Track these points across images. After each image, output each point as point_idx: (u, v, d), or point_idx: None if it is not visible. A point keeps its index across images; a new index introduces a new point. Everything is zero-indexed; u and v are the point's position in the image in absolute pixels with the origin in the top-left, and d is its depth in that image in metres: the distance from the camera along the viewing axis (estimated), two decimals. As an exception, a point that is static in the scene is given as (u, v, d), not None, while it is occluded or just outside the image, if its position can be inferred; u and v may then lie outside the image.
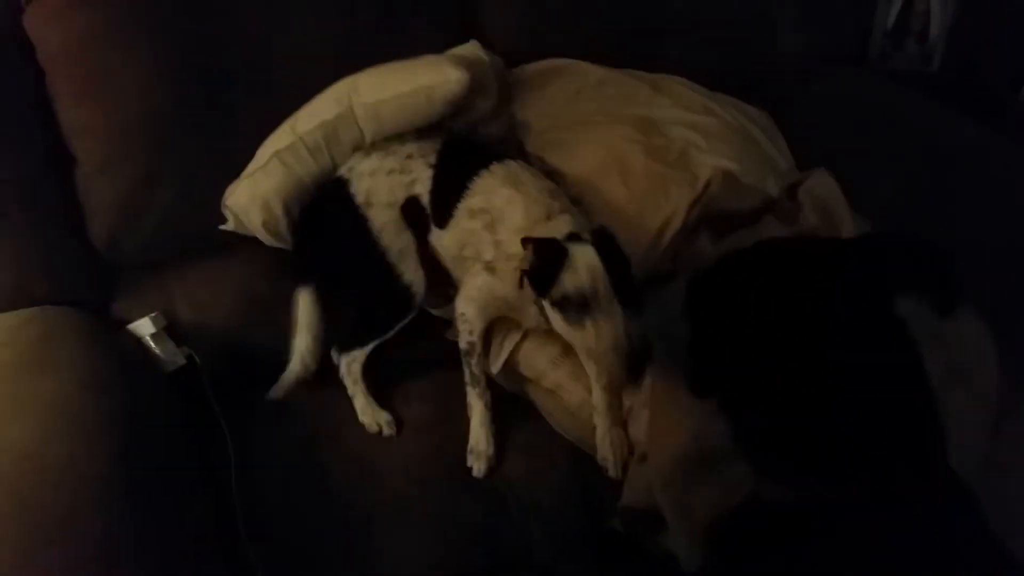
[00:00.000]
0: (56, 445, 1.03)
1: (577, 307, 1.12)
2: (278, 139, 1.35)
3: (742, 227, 1.31)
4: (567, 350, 1.27)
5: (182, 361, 1.34)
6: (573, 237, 1.16)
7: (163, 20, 1.31)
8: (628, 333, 1.09)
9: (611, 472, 1.26)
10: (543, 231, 1.19)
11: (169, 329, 1.34)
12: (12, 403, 1.08)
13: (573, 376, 1.27)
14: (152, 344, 1.31)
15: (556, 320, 1.16)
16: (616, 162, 1.35)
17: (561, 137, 1.42)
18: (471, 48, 1.46)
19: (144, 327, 1.31)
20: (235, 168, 1.37)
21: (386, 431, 1.31)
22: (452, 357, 1.32)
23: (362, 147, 1.36)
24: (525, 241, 1.15)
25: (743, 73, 1.76)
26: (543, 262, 1.13)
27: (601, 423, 1.25)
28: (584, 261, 1.11)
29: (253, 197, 1.32)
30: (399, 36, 1.45)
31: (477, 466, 1.27)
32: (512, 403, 1.37)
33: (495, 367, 1.33)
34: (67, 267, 1.32)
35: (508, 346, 1.31)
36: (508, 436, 1.33)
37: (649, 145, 1.35)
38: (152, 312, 1.33)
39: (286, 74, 1.38)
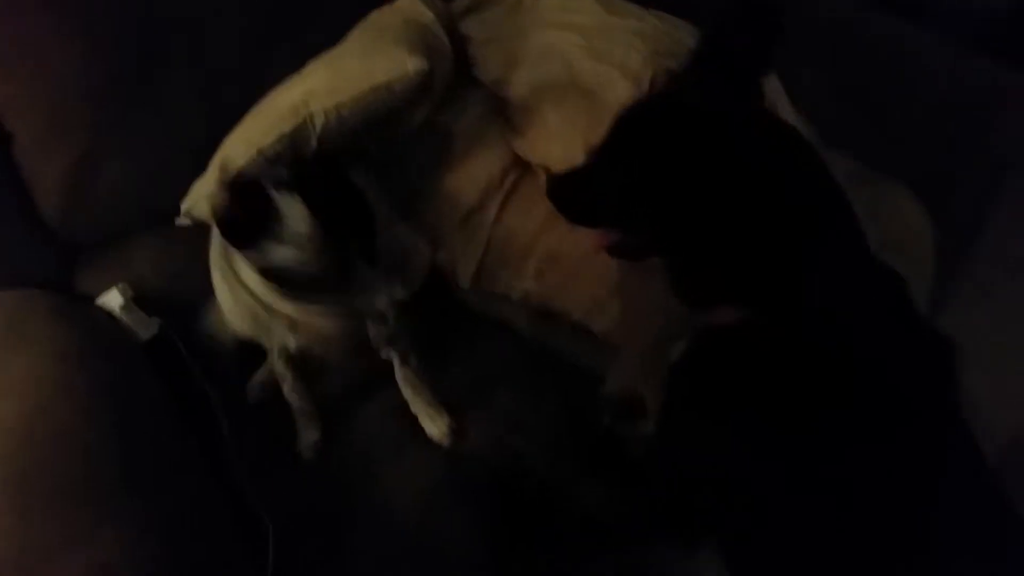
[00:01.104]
0: (45, 417, 1.02)
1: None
2: (235, 149, 1.29)
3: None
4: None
5: (155, 330, 1.32)
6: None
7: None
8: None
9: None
10: None
11: (138, 300, 1.32)
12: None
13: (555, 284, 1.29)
14: (123, 316, 1.30)
15: (294, 254, 1.01)
16: (562, 64, 1.35)
17: (505, 48, 1.42)
18: (410, 4, 1.40)
19: (113, 299, 1.29)
20: (179, 144, 1.34)
21: None
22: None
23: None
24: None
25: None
26: (243, 207, 0.99)
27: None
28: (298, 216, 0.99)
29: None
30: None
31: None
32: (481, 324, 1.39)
33: (464, 281, 1.34)
34: (25, 249, 1.30)
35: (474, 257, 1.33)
36: (485, 358, 1.35)
37: (591, 49, 1.35)
38: (116, 284, 1.31)
39: (220, 49, 1.35)
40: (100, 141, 1.29)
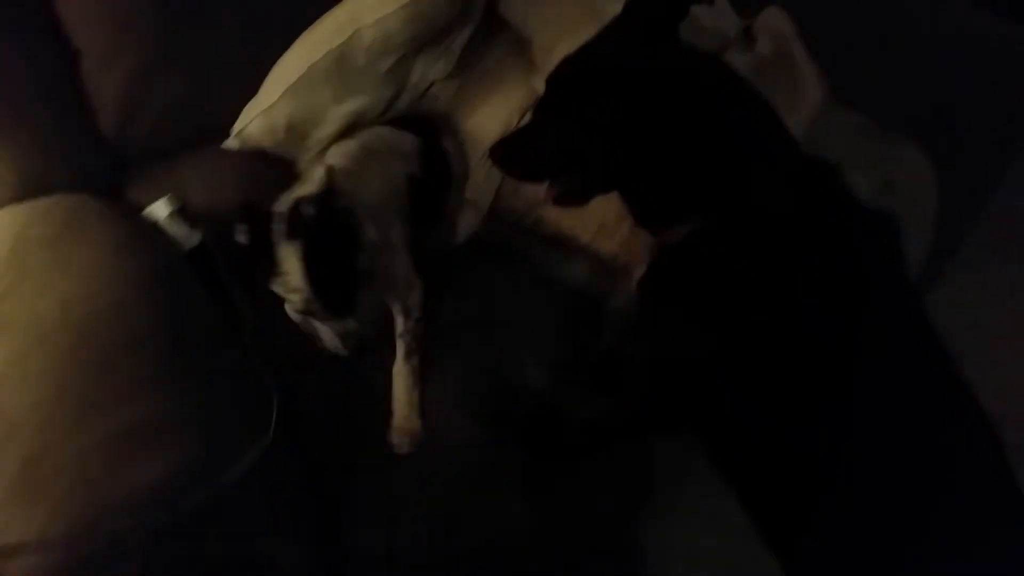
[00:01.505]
0: (102, 296, 1.14)
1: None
2: (287, 69, 1.40)
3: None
4: None
5: (196, 241, 1.43)
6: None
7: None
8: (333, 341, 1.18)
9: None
10: None
11: (181, 213, 1.43)
12: (51, 269, 1.18)
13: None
14: (168, 225, 1.41)
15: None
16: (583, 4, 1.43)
17: None
18: None
19: (159, 209, 1.40)
20: (231, 65, 1.44)
21: None
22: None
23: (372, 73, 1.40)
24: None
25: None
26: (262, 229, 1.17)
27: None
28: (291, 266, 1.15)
29: (269, 130, 1.40)
30: None
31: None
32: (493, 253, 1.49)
33: (483, 205, 1.44)
34: (83, 156, 1.41)
35: (492, 188, 1.42)
36: (494, 283, 1.45)
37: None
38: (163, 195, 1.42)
39: None
40: (157, 57, 1.40)
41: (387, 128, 1.45)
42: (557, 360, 1.38)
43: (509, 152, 1.14)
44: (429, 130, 1.47)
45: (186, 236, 1.43)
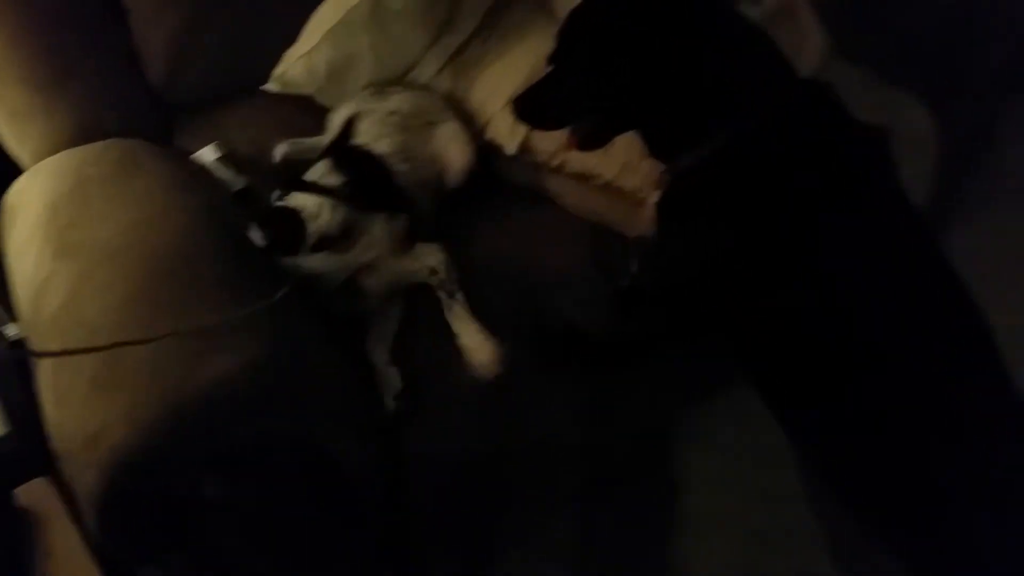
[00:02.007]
0: (160, 221, 1.21)
1: (340, 238, 1.22)
2: (326, 15, 1.47)
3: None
4: None
5: (242, 184, 1.51)
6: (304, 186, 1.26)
7: None
8: (394, 226, 1.22)
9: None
10: None
11: (227, 158, 1.51)
12: (111, 200, 1.26)
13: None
14: (215, 168, 1.48)
15: (324, 262, 1.22)
16: None
17: None
18: None
19: (207, 154, 1.48)
20: (272, 15, 1.53)
21: None
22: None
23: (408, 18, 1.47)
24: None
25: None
26: (279, 230, 1.22)
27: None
28: (314, 203, 1.21)
29: (309, 73, 1.47)
30: None
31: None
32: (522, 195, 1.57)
33: (511, 148, 1.51)
34: (133, 104, 1.49)
35: (520, 130, 1.49)
36: (527, 227, 1.52)
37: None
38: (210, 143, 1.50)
39: None
40: (201, 13, 1.49)
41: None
42: (588, 291, 1.46)
43: (529, 104, 1.22)
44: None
45: (232, 179, 1.49)
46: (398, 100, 1.51)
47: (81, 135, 1.40)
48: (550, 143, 1.49)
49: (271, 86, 1.52)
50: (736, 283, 1.12)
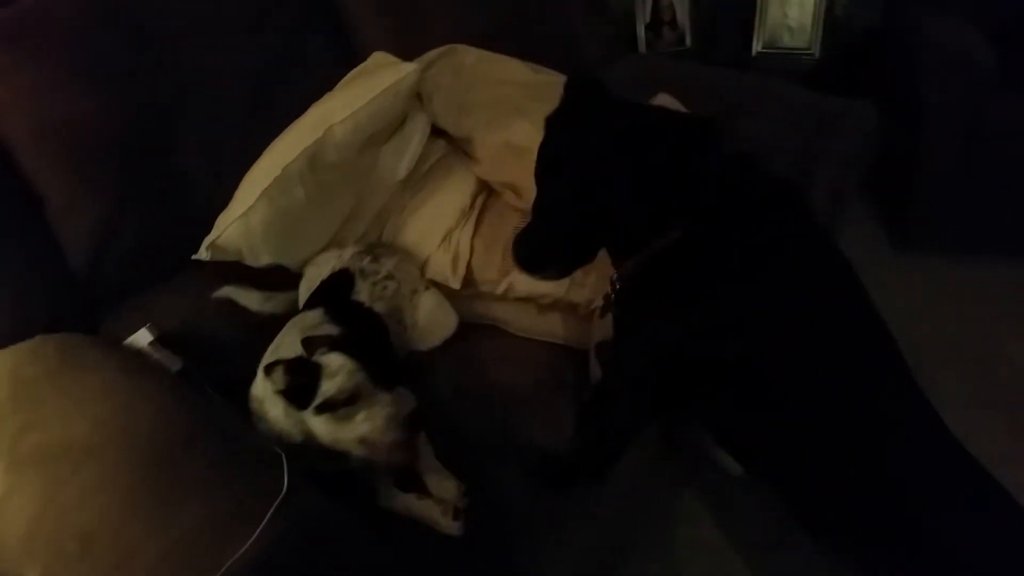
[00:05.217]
0: (132, 409, 1.13)
1: (344, 405, 1.16)
2: (260, 175, 1.47)
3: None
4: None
5: (179, 366, 1.43)
6: (321, 344, 1.20)
7: (102, 59, 1.46)
8: (397, 412, 1.16)
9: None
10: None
11: (162, 340, 1.44)
12: (67, 397, 1.16)
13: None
14: (151, 352, 1.40)
15: (320, 425, 1.18)
16: (506, 107, 1.62)
17: (457, 100, 1.68)
18: (381, 57, 1.70)
19: (141, 337, 1.40)
20: (191, 192, 1.52)
21: None
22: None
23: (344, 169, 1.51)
24: (272, 366, 1.17)
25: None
26: (297, 380, 1.17)
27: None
28: (337, 365, 1.16)
29: (246, 235, 1.45)
30: (302, 56, 1.73)
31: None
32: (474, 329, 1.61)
33: (456, 284, 1.56)
34: (60, 296, 1.40)
35: (462, 264, 1.55)
36: (484, 357, 1.55)
37: (527, 95, 1.66)
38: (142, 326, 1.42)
39: (219, 102, 1.58)
40: (120, 200, 1.46)
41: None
42: (553, 412, 1.48)
43: (531, 254, 1.20)
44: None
45: (169, 361, 1.43)
46: (391, 265, 1.53)
47: (10, 333, 1.30)
48: (492, 272, 1.55)
49: (204, 255, 1.48)
50: (694, 355, 1.20)
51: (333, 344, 1.19)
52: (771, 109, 2.01)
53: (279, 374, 1.16)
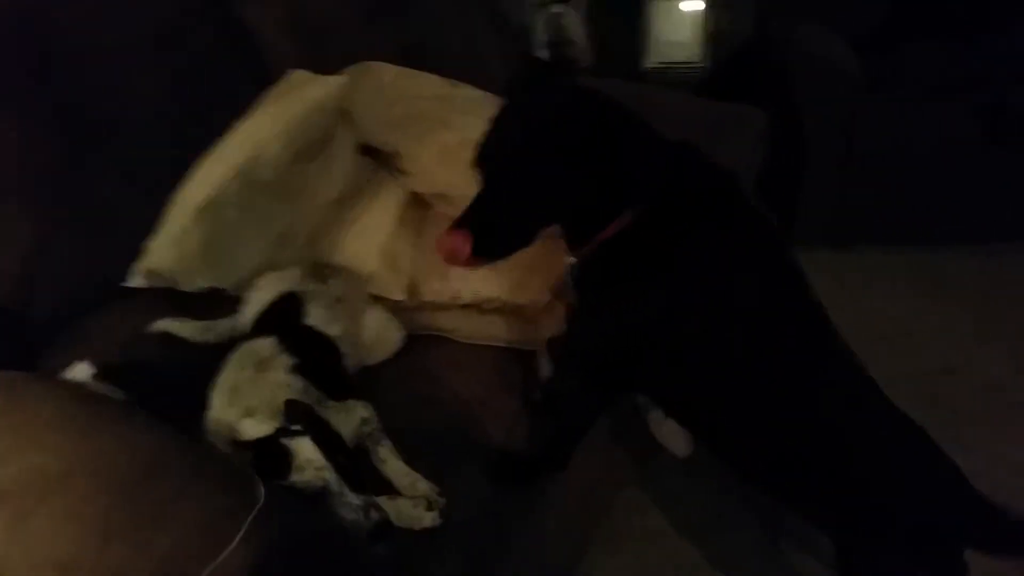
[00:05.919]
0: (92, 439, 1.07)
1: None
2: (193, 194, 1.44)
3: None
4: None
5: (120, 399, 1.38)
6: (300, 415, 1.20)
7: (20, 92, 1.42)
8: (355, 513, 1.14)
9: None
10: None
11: (103, 372, 1.38)
12: (19, 433, 1.09)
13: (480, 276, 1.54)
14: (92, 387, 1.34)
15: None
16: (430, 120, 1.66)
17: (382, 116, 1.70)
18: (300, 74, 1.71)
19: (81, 371, 1.34)
20: (116, 221, 1.48)
21: None
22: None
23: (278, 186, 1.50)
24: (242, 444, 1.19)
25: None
26: (266, 462, 1.16)
27: None
28: (305, 459, 1.16)
29: (181, 258, 1.41)
30: (216, 78, 1.72)
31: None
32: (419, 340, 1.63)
33: (400, 295, 1.58)
34: (-5, 332, 1.32)
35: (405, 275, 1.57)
36: (433, 366, 1.57)
37: (447, 107, 1.70)
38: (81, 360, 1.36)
39: (139, 125, 1.55)
40: (48, 223, 1.40)
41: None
42: (506, 413, 1.53)
43: (483, 243, 1.22)
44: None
45: (112, 393, 1.37)
46: (338, 285, 1.52)
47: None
48: (435, 281, 1.58)
49: (136, 281, 1.43)
50: (650, 336, 1.28)
51: (307, 418, 1.18)
52: (667, 117, 2.15)
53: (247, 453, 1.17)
